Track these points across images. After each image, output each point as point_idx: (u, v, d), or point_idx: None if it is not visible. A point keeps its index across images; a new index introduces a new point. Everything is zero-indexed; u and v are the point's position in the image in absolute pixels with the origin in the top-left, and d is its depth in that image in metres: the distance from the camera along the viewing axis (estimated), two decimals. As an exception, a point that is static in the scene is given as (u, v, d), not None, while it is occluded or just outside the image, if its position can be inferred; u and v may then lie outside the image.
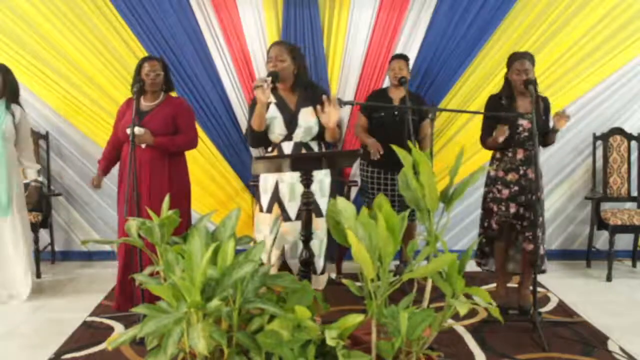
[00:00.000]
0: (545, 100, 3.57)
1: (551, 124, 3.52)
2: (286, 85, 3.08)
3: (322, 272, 3.11)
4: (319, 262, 3.08)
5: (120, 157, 3.55)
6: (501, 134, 3.32)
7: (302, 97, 3.08)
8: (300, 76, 3.09)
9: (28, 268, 3.82)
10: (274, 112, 3.04)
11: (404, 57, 4.01)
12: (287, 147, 3.06)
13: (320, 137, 3.11)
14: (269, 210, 3.08)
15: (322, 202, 3.06)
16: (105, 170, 3.62)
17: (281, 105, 3.05)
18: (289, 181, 3.02)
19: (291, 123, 3.03)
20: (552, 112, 3.56)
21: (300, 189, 2.95)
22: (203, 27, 4.37)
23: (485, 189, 3.59)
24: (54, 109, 4.50)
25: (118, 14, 4.32)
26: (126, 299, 3.39)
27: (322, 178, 3.09)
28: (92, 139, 4.51)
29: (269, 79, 2.88)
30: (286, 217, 3.05)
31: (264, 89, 2.83)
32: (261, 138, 3.06)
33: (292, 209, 3.04)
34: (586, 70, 4.54)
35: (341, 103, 3.03)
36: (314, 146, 3.10)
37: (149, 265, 2.54)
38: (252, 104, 3.06)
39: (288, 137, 3.05)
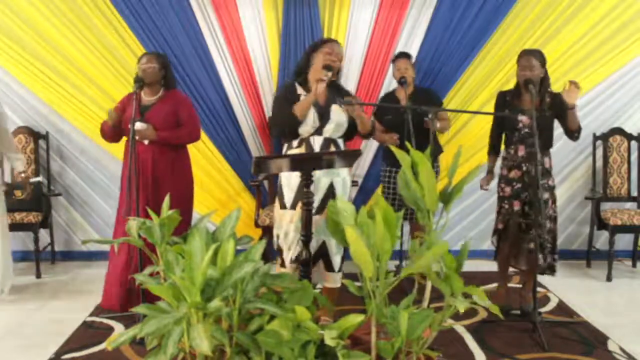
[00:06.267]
0: (556, 97, 3.45)
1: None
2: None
3: (339, 270, 3.10)
4: (337, 260, 3.07)
5: (118, 135, 3.52)
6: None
7: (330, 94, 3.10)
8: (336, 78, 3.15)
9: (5, 271, 3.78)
10: None
11: (407, 56, 4.00)
12: (317, 142, 3.04)
13: (347, 134, 3.15)
14: (293, 206, 3.04)
15: (344, 197, 3.06)
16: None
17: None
18: (316, 176, 2.96)
19: (323, 116, 3.03)
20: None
21: (325, 183, 3.02)
22: (203, 27, 4.37)
23: (497, 188, 3.61)
24: (54, 109, 4.50)
25: (118, 13, 4.32)
26: (126, 298, 3.39)
27: (344, 177, 3.12)
28: (92, 139, 4.50)
29: (329, 73, 2.98)
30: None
31: (323, 82, 2.94)
32: (296, 126, 3.02)
33: (315, 203, 2.96)
34: (586, 70, 4.53)
35: (341, 103, 3.04)
36: (341, 143, 3.13)
37: (149, 265, 2.54)
38: (282, 94, 3.12)
39: (318, 131, 3.04)
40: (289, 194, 3.07)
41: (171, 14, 4.32)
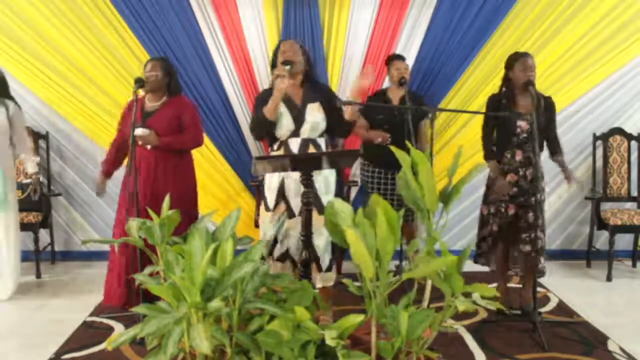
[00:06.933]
0: (547, 100, 3.50)
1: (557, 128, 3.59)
2: (295, 81, 3.10)
3: (329, 269, 3.09)
4: (325, 259, 3.06)
5: (124, 159, 3.54)
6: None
7: (308, 93, 3.09)
8: (308, 73, 3.13)
9: (14, 269, 3.82)
10: (280, 108, 3.02)
11: (404, 58, 4.01)
12: (295, 144, 3.03)
13: (328, 132, 3.14)
14: (275, 207, 3.06)
15: (326, 199, 3.03)
16: (108, 173, 3.56)
17: (287, 101, 3.04)
18: (295, 177, 2.97)
19: (298, 118, 3.02)
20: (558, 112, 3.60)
21: None
22: (203, 27, 4.37)
23: (486, 191, 3.59)
24: (54, 109, 4.50)
25: (118, 13, 4.31)
26: (129, 296, 3.38)
27: (327, 175, 3.10)
28: (92, 139, 4.51)
29: (287, 67, 2.96)
30: (291, 214, 3.03)
31: (283, 78, 2.91)
32: (270, 129, 3.02)
33: (297, 204, 2.98)
34: (586, 70, 4.53)
35: (341, 103, 3.04)
36: (321, 142, 3.09)
37: (148, 265, 2.54)
38: (260, 97, 3.12)
39: (295, 133, 3.03)
40: (270, 196, 3.09)
41: (171, 14, 4.31)
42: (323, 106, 3.08)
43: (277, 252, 3.06)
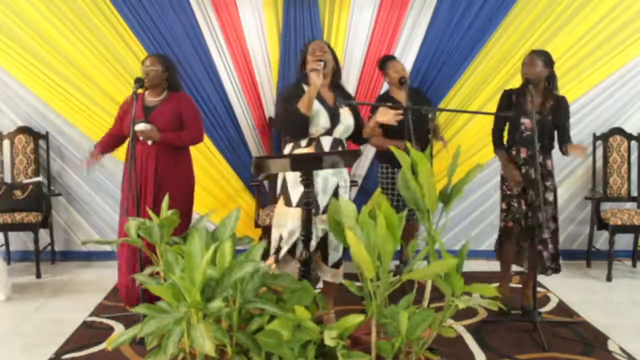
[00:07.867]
0: (561, 100, 3.53)
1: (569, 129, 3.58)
2: (325, 81, 3.11)
3: (337, 265, 3.11)
4: (333, 255, 3.08)
5: (116, 147, 3.58)
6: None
7: (338, 96, 3.13)
8: (336, 75, 3.17)
9: (1, 273, 3.80)
10: (316, 105, 3.03)
11: (396, 58, 4.00)
12: (326, 142, 3.04)
13: (353, 136, 3.18)
14: (299, 204, 2.98)
15: (346, 197, 3.08)
16: (102, 152, 3.56)
17: (322, 100, 3.06)
18: (324, 175, 3.01)
19: (334, 117, 3.05)
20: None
21: (333, 182, 3.04)
22: (203, 27, 4.37)
23: (502, 185, 3.60)
24: (54, 109, 4.50)
25: (118, 13, 4.32)
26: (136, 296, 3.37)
27: (346, 176, 3.14)
28: (91, 138, 4.50)
29: (322, 63, 2.97)
30: (316, 211, 3.00)
31: (319, 72, 2.91)
32: (306, 124, 2.99)
33: (323, 202, 3.02)
34: (586, 70, 4.53)
35: (341, 103, 3.04)
36: (345, 144, 3.15)
37: (148, 265, 2.54)
38: (287, 92, 3.13)
39: (329, 132, 3.05)
40: (295, 191, 3.02)
41: (171, 14, 4.31)
42: (352, 111, 3.13)
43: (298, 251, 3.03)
